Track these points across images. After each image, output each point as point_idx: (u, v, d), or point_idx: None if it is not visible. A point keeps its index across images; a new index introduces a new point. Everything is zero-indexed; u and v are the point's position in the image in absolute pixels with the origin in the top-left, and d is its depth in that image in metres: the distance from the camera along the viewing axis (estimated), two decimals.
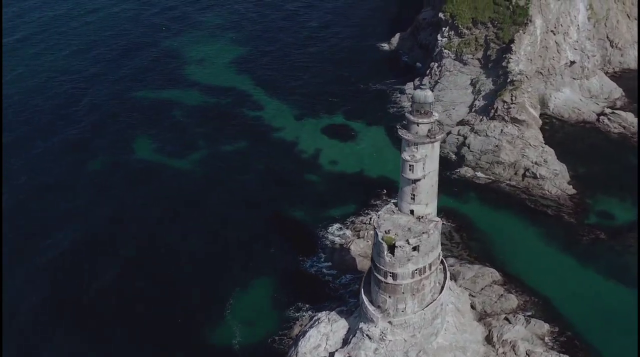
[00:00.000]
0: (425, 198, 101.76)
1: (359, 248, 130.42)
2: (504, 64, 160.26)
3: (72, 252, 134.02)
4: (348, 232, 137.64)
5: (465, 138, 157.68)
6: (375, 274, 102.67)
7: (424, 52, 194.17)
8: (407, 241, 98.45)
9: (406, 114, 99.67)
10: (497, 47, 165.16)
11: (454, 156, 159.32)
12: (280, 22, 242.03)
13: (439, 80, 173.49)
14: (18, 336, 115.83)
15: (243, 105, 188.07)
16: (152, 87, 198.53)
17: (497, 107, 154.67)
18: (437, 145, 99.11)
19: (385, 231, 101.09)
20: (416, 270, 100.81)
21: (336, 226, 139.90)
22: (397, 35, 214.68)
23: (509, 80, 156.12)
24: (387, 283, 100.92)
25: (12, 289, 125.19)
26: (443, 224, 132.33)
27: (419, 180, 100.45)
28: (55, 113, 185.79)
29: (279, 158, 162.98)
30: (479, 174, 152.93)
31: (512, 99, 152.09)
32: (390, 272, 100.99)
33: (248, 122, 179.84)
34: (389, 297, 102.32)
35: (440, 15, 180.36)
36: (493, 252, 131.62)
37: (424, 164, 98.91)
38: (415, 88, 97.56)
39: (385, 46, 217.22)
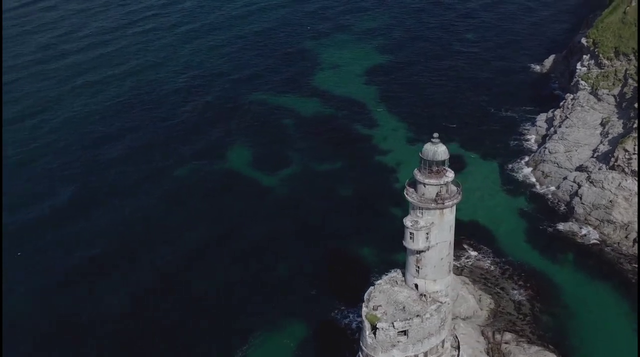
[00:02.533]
0: (432, 273, 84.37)
1: None
2: (636, 105, 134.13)
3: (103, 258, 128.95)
4: None
5: (580, 187, 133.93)
6: (359, 353, 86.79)
7: (570, 80, 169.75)
8: (393, 323, 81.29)
9: (415, 170, 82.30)
10: (634, 84, 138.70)
11: (563, 206, 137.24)
12: (434, 32, 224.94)
13: (568, 116, 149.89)
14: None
15: (358, 121, 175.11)
16: (274, 90, 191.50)
17: (617, 156, 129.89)
18: (449, 212, 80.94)
19: (373, 307, 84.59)
20: None
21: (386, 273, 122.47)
22: (551, 57, 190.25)
23: (635, 126, 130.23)
24: None
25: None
26: (514, 289, 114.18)
27: (423, 251, 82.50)
28: (163, 109, 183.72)
29: (370, 186, 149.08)
30: (585, 231, 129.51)
31: (635, 149, 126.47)
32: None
33: (355, 140, 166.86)
34: None
35: (583, 40, 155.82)
36: (566, 333, 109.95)
37: (427, 234, 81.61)
38: (432, 141, 79.98)
39: (537, 68, 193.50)
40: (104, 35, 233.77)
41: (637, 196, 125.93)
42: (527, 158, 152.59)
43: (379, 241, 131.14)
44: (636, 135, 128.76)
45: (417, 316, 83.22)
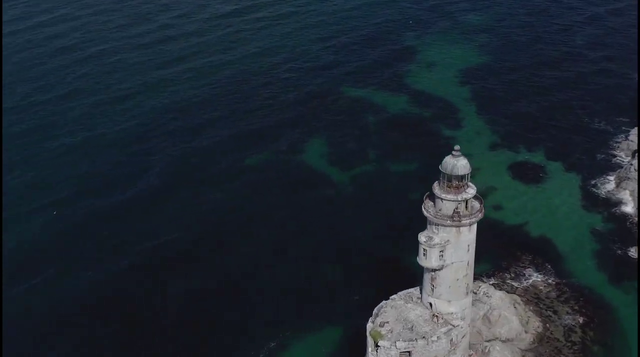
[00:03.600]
0: (446, 293, 79.77)
1: None
2: None
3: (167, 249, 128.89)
4: None
5: None
6: None
7: None
8: (395, 343, 77.36)
9: (435, 183, 77.87)
10: None
11: None
12: (546, 35, 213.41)
13: None
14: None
15: (443, 121, 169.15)
16: (364, 85, 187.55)
17: None
18: (466, 231, 75.96)
19: (380, 323, 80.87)
20: None
21: None
22: None
23: None
24: None
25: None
26: (568, 313, 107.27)
27: (437, 270, 78.14)
28: (256, 99, 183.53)
29: None
30: None
31: None
32: None
33: (436, 142, 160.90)
34: None
35: None
36: None
37: (442, 252, 76.86)
38: (452, 154, 75.24)
39: None
40: (217, 20, 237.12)
41: None
42: (613, 174, 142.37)
43: None
44: None
45: (423, 337, 78.32)
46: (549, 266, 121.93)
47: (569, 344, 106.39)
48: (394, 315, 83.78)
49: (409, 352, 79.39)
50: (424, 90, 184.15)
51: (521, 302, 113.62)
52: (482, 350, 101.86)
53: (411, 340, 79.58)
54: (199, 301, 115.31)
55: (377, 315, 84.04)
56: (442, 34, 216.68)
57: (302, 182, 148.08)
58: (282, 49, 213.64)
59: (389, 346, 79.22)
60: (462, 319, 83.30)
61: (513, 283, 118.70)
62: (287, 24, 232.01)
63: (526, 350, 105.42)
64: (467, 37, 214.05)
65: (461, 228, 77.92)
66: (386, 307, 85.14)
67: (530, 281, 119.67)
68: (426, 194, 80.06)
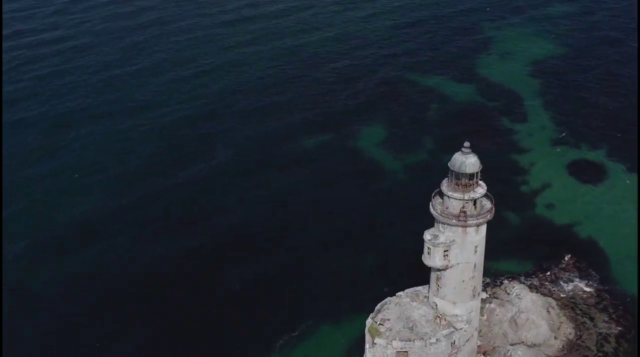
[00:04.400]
0: (451, 295, 77.43)
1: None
2: None
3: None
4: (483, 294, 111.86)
5: None
6: None
7: None
8: (392, 342, 75.72)
9: (444, 180, 75.58)
10: None
11: None
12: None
13: None
14: None
15: (508, 114, 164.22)
16: (431, 71, 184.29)
17: None
18: (473, 232, 73.40)
19: (380, 319, 79.36)
20: None
21: None
22: None
23: None
24: None
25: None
26: (605, 322, 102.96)
27: (442, 270, 76.02)
28: (323, 83, 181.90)
29: (493, 182, 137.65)
30: None
31: None
32: None
33: (497, 133, 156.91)
34: None
35: None
36: None
37: (446, 252, 74.53)
38: (462, 151, 72.77)
39: None
40: (295, 2, 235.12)
41: None
42: None
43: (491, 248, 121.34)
44: None
45: (421, 339, 75.96)
46: (593, 272, 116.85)
47: (600, 354, 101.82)
48: (396, 312, 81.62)
49: (406, 352, 77.08)
50: (493, 81, 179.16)
51: (556, 307, 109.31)
52: (505, 354, 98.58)
53: (409, 340, 77.19)
54: (249, 283, 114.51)
55: (379, 311, 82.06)
56: (522, 23, 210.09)
57: (359, 171, 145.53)
58: (357, 34, 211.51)
59: (385, 345, 77.23)
60: (468, 322, 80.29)
61: (552, 286, 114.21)
62: (364, 9, 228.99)
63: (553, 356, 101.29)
64: (548, 28, 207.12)
65: (467, 228, 74.92)
66: (390, 303, 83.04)
67: (571, 285, 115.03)
68: (435, 190, 77.17)
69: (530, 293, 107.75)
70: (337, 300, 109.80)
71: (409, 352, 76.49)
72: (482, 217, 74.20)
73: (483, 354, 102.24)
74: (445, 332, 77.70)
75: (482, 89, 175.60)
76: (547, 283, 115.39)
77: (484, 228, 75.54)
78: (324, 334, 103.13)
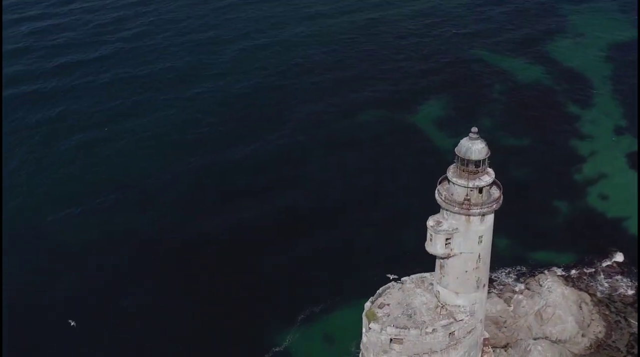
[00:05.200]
0: (454, 284, 75.08)
1: (494, 310, 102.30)
2: None
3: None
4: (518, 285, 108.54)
5: None
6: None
7: None
8: (386, 328, 74.13)
9: (450, 166, 73.07)
10: None
11: None
12: None
13: None
14: None
15: (573, 98, 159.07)
16: (498, 50, 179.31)
17: None
18: (477, 221, 70.79)
19: (380, 304, 77.67)
20: None
21: (508, 270, 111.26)
22: None
23: None
24: None
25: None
26: None
27: (445, 258, 73.80)
28: (391, 62, 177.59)
29: (544, 169, 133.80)
30: None
31: None
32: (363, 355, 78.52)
33: (557, 117, 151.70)
34: None
35: None
36: None
37: (449, 240, 72.19)
38: (469, 136, 69.89)
39: None
40: None
41: None
42: None
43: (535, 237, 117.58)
44: None
45: (417, 327, 73.74)
46: (635, 270, 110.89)
47: (629, 356, 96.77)
48: (397, 298, 79.35)
49: (399, 339, 74.99)
50: (561, 62, 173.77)
51: (590, 303, 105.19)
52: (525, 348, 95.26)
53: (404, 328, 74.96)
54: (293, 259, 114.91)
55: (379, 295, 79.93)
56: (600, 7, 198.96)
57: (406, 141, 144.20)
58: (432, 11, 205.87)
59: (379, 330, 75.28)
60: (471, 314, 77.32)
61: (590, 281, 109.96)
62: None
63: (579, 355, 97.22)
64: (627, 11, 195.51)
65: (471, 217, 71.81)
66: (393, 288, 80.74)
67: (611, 282, 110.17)
68: (443, 176, 74.26)
69: (563, 287, 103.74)
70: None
71: (404, 340, 73.99)
72: (487, 207, 70.94)
73: (503, 347, 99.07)
74: (443, 322, 75.07)
75: (553, 73, 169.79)
76: (585, 278, 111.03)
77: (490, 218, 72.25)
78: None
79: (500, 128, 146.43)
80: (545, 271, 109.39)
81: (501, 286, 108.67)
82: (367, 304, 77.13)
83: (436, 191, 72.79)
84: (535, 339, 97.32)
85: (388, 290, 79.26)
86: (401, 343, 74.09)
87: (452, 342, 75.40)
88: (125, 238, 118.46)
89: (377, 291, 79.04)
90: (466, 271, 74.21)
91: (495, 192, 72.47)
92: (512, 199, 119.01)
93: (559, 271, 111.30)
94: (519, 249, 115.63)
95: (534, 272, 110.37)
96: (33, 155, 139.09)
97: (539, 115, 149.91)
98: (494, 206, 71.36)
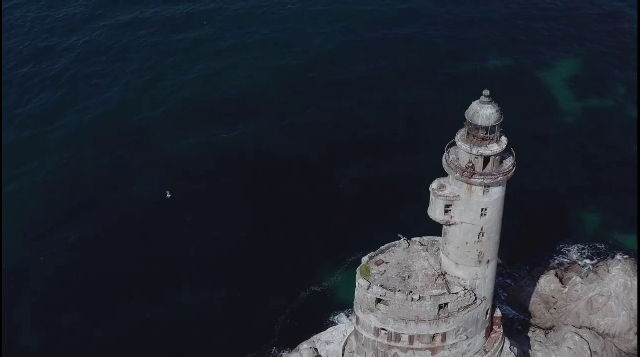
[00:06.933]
0: (454, 255, 71.45)
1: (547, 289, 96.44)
2: None
3: None
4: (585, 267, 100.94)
5: None
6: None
7: None
8: (372, 286, 72.10)
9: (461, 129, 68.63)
10: None
11: None
12: None
13: None
14: None
15: None
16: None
17: None
18: (479, 192, 66.48)
19: (377, 261, 75.34)
20: (383, 330, 73.67)
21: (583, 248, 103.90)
22: None
23: None
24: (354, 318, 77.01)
25: None
26: None
27: (446, 225, 70.36)
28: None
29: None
30: None
31: None
32: (354, 310, 76.89)
33: None
34: (354, 337, 78.68)
35: None
36: None
37: (449, 207, 68.50)
38: (480, 100, 64.50)
39: None
40: None
41: None
42: None
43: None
44: None
45: (401, 292, 70.45)
46: None
47: None
48: (399, 258, 75.44)
49: (382, 300, 71.83)
50: None
51: None
52: (563, 335, 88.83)
53: (392, 290, 71.53)
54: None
55: (381, 252, 76.40)
56: None
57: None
58: None
59: (365, 287, 72.34)
60: (472, 289, 72.32)
61: None
62: None
63: (628, 354, 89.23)
64: None
65: (474, 187, 66.42)
66: (398, 247, 76.77)
67: None
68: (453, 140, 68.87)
69: (630, 278, 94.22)
70: None
71: (389, 302, 70.77)
72: (490, 178, 65.03)
73: (547, 329, 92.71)
74: (435, 292, 70.81)
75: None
76: None
77: (496, 191, 66.42)
78: None
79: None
80: (620, 257, 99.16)
81: (567, 264, 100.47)
82: (365, 259, 74.30)
83: (445, 152, 67.65)
84: (580, 327, 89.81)
85: (393, 248, 75.78)
86: (387, 305, 70.69)
87: (443, 315, 70.92)
88: None
89: (381, 247, 75.50)
90: (467, 243, 69.30)
91: (507, 164, 66.19)
92: (622, 175, 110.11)
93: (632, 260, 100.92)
94: (605, 228, 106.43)
95: (609, 257, 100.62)
96: None
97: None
98: (499, 178, 65.28)
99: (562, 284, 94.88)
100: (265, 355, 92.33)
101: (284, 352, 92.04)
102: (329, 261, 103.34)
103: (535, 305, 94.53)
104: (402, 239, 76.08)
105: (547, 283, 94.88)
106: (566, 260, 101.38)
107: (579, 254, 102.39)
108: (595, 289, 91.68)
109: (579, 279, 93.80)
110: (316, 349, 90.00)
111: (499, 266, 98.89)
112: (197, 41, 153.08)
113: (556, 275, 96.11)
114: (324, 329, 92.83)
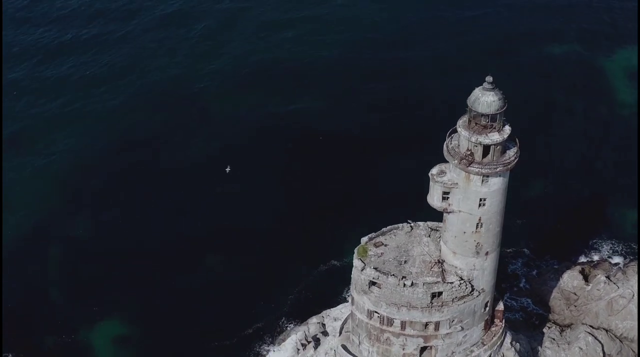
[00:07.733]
0: (452, 243, 70.17)
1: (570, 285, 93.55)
2: None
3: None
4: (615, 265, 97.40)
5: None
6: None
7: None
8: (365, 267, 71.57)
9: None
10: None
11: None
12: None
13: None
14: None
15: None
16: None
17: None
18: (477, 181, 64.94)
19: (376, 243, 74.63)
20: (375, 312, 73.18)
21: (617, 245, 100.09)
22: None
23: None
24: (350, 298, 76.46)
25: None
26: None
27: (444, 212, 69.22)
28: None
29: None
30: None
31: None
32: (350, 290, 76.53)
33: None
34: (350, 319, 78.12)
35: None
36: None
37: (446, 194, 67.27)
38: (483, 86, 62.40)
39: None
40: None
41: None
42: None
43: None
44: None
45: (394, 276, 69.43)
46: None
47: None
48: (399, 241, 73.98)
49: (375, 283, 70.87)
50: None
51: None
52: (577, 334, 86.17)
53: (384, 273, 70.45)
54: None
55: (382, 233, 75.13)
56: None
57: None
58: None
59: (360, 269, 71.48)
60: (469, 280, 70.52)
61: None
62: None
63: None
64: None
65: (471, 176, 64.43)
66: (400, 230, 75.34)
67: None
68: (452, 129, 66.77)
69: None
70: None
71: (382, 286, 69.82)
72: (488, 168, 62.86)
73: (564, 326, 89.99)
74: (428, 279, 69.29)
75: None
76: None
77: (496, 181, 64.16)
78: None
79: None
80: None
81: (597, 261, 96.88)
82: (364, 239, 73.37)
83: (447, 138, 65.77)
84: (597, 328, 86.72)
85: (394, 231, 74.46)
86: (380, 288, 69.76)
87: (436, 304, 69.47)
88: None
89: (382, 229, 74.26)
90: (464, 232, 67.43)
91: (510, 154, 63.88)
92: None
93: None
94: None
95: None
96: None
97: None
98: (498, 169, 62.99)
99: (586, 281, 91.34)
100: (275, 326, 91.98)
101: (292, 323, 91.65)
102: (356, 237, 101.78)
103: (556, 300, 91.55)
104: (408, 223, 74.16)
105: (570, 279, 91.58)
106: (596, 256, 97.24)
107: (611, 251, 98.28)
108: (617, 290, 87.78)
109: (603, 278, 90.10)
110: (323, 325, 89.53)
111: (526, 257, 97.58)
112: (263, 11, 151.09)
113: (581, 271, 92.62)
114: (336, 304, 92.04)
